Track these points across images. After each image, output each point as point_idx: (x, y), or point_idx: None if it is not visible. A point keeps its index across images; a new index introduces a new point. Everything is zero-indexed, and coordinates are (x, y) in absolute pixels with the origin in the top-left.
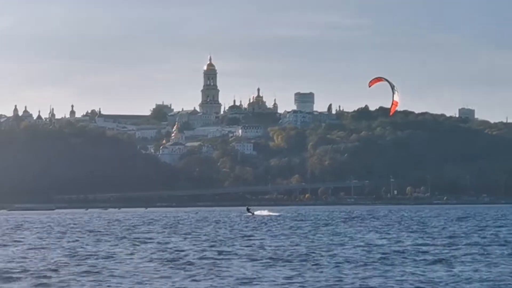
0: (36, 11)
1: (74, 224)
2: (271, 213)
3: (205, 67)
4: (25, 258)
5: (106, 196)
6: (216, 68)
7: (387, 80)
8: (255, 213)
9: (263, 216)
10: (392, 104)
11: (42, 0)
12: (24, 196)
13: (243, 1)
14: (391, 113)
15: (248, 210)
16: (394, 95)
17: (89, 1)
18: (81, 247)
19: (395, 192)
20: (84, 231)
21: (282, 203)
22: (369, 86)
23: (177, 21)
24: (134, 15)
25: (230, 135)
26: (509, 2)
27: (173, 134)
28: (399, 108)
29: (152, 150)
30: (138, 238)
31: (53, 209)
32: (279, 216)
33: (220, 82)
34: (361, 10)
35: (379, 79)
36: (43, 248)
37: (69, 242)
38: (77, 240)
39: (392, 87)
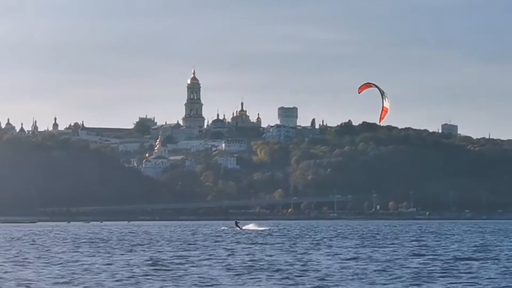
0: (19, 22)
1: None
2: (259, 228)
3: (188, 81)
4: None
5: (89, 209)
6: (199, 82)
7: (376, 86)
8: (244, 227)
9: (251, 231)
10: (382, 110)
11: (26, 12)
12: (6, 209)
13: (227, 15)
14: (380, 120)
15: (236, 224)
16: (384, 102)
17: (73, 14)
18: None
19: (378, 207)
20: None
21: (265, 217)
22: (359, 93)
23: (160, 34)
24: (118, 28)
25: (214, 149)
26: (492, 17)
27: (156, 148)
28: (383, 123)
29: (135, 164)
30: None
31: (35, 222)
32: (269, 229)
33: (203, 96)
34: (345, 25)
35: (368, 85)
36: None
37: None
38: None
39: (382, 93)
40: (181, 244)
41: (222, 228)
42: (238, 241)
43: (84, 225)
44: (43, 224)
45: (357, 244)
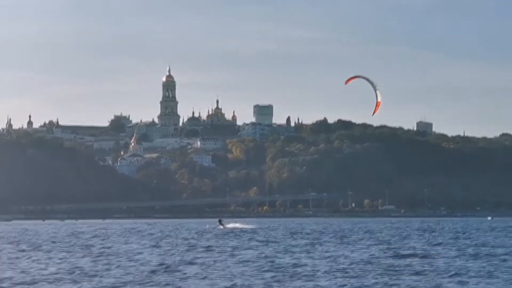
0: None
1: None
2: (244, 226)
3: (164, 79)
4: None
5: (64, 207)
6: (175, 80)
7: (367, 79)
8: (227, 226)
9: (235, 229)
10: (376, 105)
11: (0, 10)
12: None
13: (203, 13)
14: (374, 114)
15: (220, 222)
16: (378, 95)
17: (48, 12)
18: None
19: (353, 205)
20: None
21: (240, 215)
22: (345, 84)
23: (136, 32)
24: (93, 26)
25: (189, 147)
26: (466, 13)
27: (131, 146)
28: (357, 121)
29: (110, 162)
30: None
31: (10, 220)
32: (254, 228)
33: (179, 94)
34: (319, 24)
35: (356, 76)
36: None
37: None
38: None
39: (374, 87)
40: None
41: (206, 226)
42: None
43: (58, 223)
44: (18, 223)
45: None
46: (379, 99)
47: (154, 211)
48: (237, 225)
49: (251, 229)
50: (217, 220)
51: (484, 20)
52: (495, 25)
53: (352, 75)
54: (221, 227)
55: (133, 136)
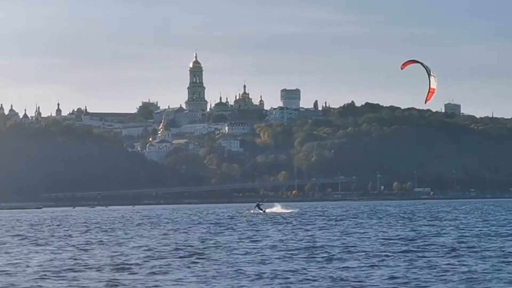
0: (19, 8)
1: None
2: (285, 210)
3: (190, 65)
4: None
5: (93, 194)
6: (202, 66)
7: (421, 64)
8: (267, 210)
9: (276, 214)
10: (429, 92)
11: None
12: (11, 195)
13: None
14: (427, 101)
15: (258, 206)
16: (431, 82)
17: (73, 0)
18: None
19: (382, 187)
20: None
21: (269, 199)
22: (401, 69)
23: (161, 18)
24: (119, 12)
25: (217, 132)
26: None
27: (159, 132)
28: (384, 103)
29: (139, 148)
30: None
31: (41, 208)
32: (296, 212)
33: (206, 80)
34: (346, 6)
35: (412, 61)
36: None
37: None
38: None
39: (428, 72)
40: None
41: (250, 211)
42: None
43: (89, 210)
44: (48, 210)
45: None
46: (432, 86)
47: (183, 197)
48: (279, 209)
49: (295, 213)
50: (254, 204)
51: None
52: None
53: (408, 59)
54: (261, 211)
55: (161, 122)
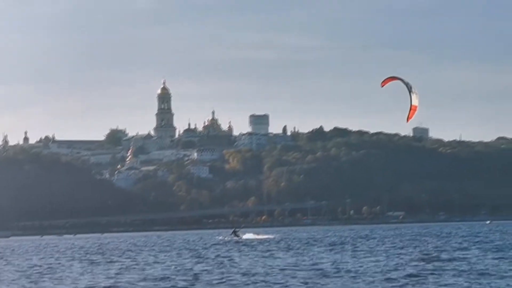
0: None
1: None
2: (262, 236)
3: (159, 91)
4: None
5: (62, 222)
6: (170, 92)
7: (402, 80)
8: (244, 237)
9: (252, 240)
10: (410, 109)
11: None
12: None
13: (196, 23)
14: (408, 120)
15: (235, 233)
16: (412, 99)
17: (43, 26)
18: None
19: (352, 212)
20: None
21: (239, 225)
22: (382, 86)
23: (130, 44)
24: (87, 38)
25: (186, 158)
26: (461, 17)
27: (128, 159)
28: (353, 128)
29: (107, 175)
30: None
31: (9, 237)
32: (272, 238)
33: (174, 106)
34: (315, 32)
35: (392, 78)
36: None
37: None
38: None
39: (409, 89)
40: None
41: (219, 237)
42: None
43: (57, 239)
44: (17, 239)
45: None
46: (414, 103)
47: (153, 224)
48: (255, 235)
49: (270, 239)
50: (230, 230)
51: (480, 24)
52: (491, 28)
53: (388, 75)
54: (236, 238)
55: (129, 149)
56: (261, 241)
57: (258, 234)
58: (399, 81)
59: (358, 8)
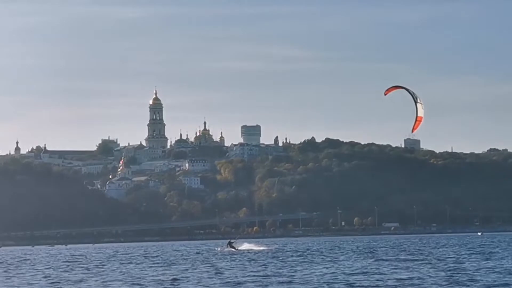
0: None
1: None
2: (258, 248)
3: (150, 101)
4: None
5: (53, 232)
6: (162, 102)
7: (407, 90)
8: (240, 248)
9: (249, 251)
10: (416, 120)
11: None
12: None
13: (187, 35)
14: (413, 130)
15: (230, 244)
16: (418, 110)
17: (33, 36)
18: None
19: (343, 223)
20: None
21: (230, 236)
22: (385, 95)
23: (120, 55)
24: (79, 49)
25: (177, 169)
26: (451, 33)
27: (119, 169)
28: (344, 139)
29: (99, 186)
30: None
31: (0, 247)
32: (269, 249)
33: (166, 116)
34: (306, 42)
35: (397, 87)
36: None
37: None
38: None
39: (415, 99)
40: None
41: (217, 249)
42: None
43: (49, 249)
44: (7, 249)
45: None
46: (420, 114)
47: (144, 234)
48: (251, 246)
49: (267, 250)
50: (224, 241)
51: (470, 36)
52: (481, 41)
53: (391, 85)
54: (232, 249)
55: (121, 159)
56: (257, 252)
57: (254, 245)
58: (401, 90)
59: (347, 20)
